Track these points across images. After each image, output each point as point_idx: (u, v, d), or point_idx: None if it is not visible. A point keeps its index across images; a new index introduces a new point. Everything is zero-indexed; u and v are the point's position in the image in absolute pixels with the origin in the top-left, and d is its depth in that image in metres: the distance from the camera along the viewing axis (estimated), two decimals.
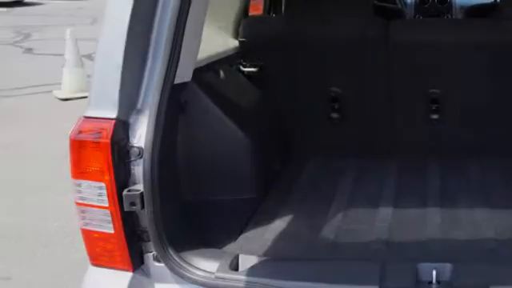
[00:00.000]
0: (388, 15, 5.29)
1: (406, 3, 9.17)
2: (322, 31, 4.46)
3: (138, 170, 2.84)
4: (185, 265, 2.88)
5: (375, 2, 6.68)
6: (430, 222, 3.61)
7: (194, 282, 2.86)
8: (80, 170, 2.84)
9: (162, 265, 2.91)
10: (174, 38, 2.88)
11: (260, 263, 2.94)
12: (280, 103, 4.55)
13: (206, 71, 3.77)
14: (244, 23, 4.71)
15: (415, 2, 9.21)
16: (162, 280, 3.00)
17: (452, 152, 4.55)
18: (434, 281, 2.76)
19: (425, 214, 3.71)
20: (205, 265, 2.89)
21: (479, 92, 4.46)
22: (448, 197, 3.93)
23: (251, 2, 5.25)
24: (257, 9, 5.64)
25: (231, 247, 3.32)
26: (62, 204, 6.44)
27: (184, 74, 3.11)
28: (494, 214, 3.66)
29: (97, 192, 2.83)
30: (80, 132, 2.83)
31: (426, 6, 9.06)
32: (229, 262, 2.92)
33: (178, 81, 2.98)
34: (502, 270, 2.83)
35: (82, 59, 11.92)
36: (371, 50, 4.46)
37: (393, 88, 4.52)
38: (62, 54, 12.11)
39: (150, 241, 2.90)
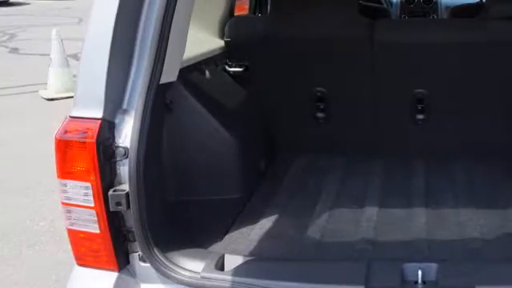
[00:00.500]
0: (373, 15, 5.29)
1: (391, 3, 9.21)
2: (308, 31, 4.46)
3: (124, 170, 2.84)
4: (170, 265, 2.87)
5: (361, 1, 6.69)
6: (416, 221, 3.61)
7: (180, 282, 2.86)
8: (66, 170, 2.83)
9: (148, 265, 2.91)
10: (159, 38, 2.87)
11: (246, 263, 2.94)
12: (265, 103, 4.55)
13: (191, 71, 3.77)
14: (230, 23, 4.71)
15: (401, 2, 9.26)
16: (147, 280, 3.00)
17: (437, 152, 4.56)
18: (419, 281, 2.77)
19: (410, 213, 3.72)
20: (190, 265, 2.89)
21: (465, 92, 4.46)
22: (433, 197, 3.94)
23: (237, 2, 5.26)
24: (242, 9, 5.65)
25: (217, 247, 3.32)
26: (49, 203, 6.45)
27: (170, 74, 3.11)
28: (479, 213, 3.67)
29: (82, 192, 2.82)
30: (66, 132, 2.82)
31: (412, 5, 9.12)
32: (214, 261, 2.92)
33: (163, 81, 2.98)
34: (488, 270, 2.84)
35: (67, 59, 11.90)
36: (356, 49, 4.46)
37: (378, 88, 4.53)
38: (47, 54, 12.09)
39: (135, 241, 2.89)
